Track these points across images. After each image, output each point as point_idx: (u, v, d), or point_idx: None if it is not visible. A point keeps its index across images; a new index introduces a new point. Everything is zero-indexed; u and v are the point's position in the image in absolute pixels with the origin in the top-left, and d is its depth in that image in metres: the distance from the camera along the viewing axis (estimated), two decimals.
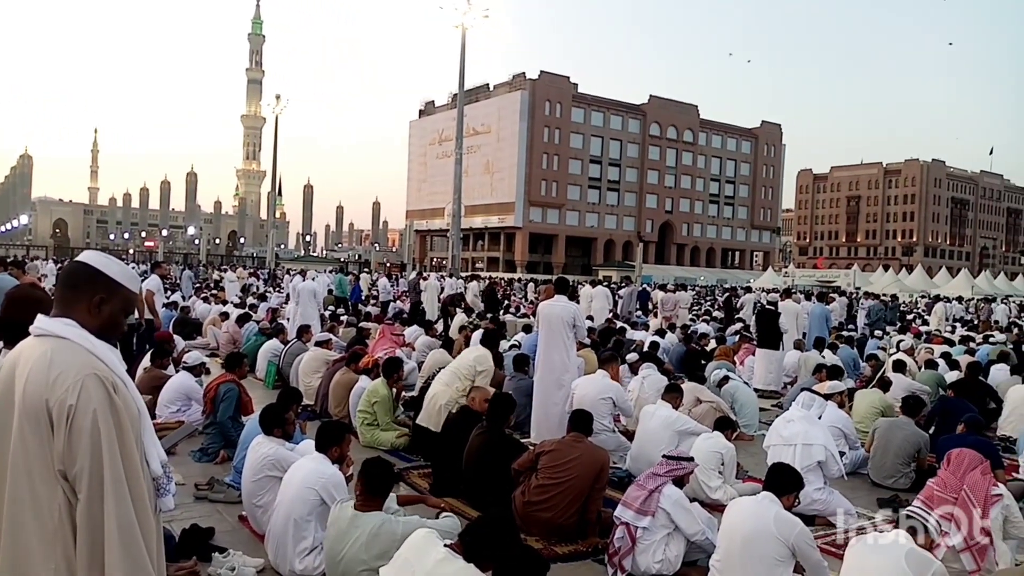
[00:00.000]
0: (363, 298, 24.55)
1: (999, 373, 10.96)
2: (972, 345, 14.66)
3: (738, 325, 17.97)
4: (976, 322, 26.01)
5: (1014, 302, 34.40)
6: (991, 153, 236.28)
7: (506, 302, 25.77)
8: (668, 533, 4.52)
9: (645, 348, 11.54)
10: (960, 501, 4.99)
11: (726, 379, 9.38)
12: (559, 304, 7.62)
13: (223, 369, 7.62)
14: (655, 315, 20.26)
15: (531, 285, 37.23)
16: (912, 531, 3.74)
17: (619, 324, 16.16)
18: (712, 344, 13.80)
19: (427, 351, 11.10)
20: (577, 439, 5.28)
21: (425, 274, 32.52)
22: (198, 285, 26.44)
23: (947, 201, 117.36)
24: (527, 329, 12.89)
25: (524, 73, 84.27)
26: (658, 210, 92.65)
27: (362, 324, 14.17)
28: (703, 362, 11.44)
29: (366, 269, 47.16)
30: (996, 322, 25.70)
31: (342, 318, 15.86)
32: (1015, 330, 21.36)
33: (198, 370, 8.04)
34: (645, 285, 34.49)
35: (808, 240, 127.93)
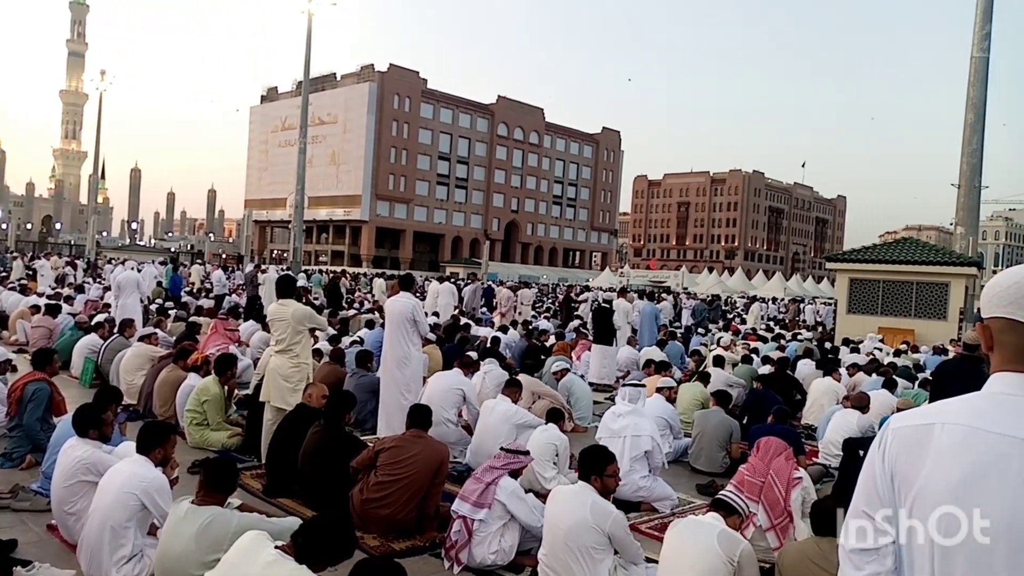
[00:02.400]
0: (194, 291, 23.19)
1: (804, 367, 12.07)
2: (782, 342, 16.04)
3: (576, 322, 18.64)
4: (787, 321, 28.50)
5: (820, 303, 38.02)
6: (803, 167, 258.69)
7: (350, 297, 25.28)
8: (504, 524, 4.63)
9: (488, 344, 11.73)
10: (767, 485, 5.48)
11: (564, 371, 9.73)
12: (401, 300, 7.60)
13: (32, 367, 6.96)
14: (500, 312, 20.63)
15: (376, 280, 36.70)
16: (724, 513, 4.07)
17: (464, 320, 16.30)
18: (552, 340, 14.25)
19: (263, 347, 10.66)
20: (417, 435, 5.29)
21: (264, 267, 31.20)
22: (4, 274, 23.96)
23: (765, 209, 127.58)
24: (370, 325, 12.72)
25: (373, 65, 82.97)
26: (504, 209, 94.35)
27: (193, 318, 13.41)
28: (543, 357, 11.82)
29: (199, 260, 44.58)
30: (804, 321, 28.35)
31: (170, 312, 14.91)
32: (820, 328, 23.65)
33: (3, 367, 7.31)
34: (490, 282, 35.00)
35: (643, 242, 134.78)
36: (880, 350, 15.10)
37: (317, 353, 9.55)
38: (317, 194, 74.77)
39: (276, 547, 3.04)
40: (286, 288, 6.73)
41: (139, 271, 18.09)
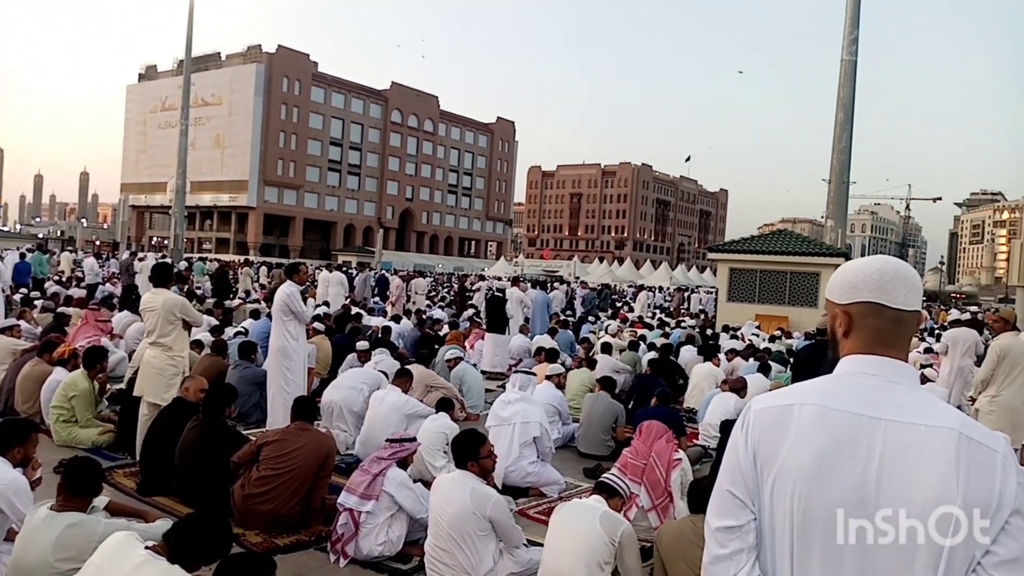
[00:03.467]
0: (63, 280, 21.71)
1: (687, 353, 12.57)
2: (667, 329, 16.65)
3: (470, 311, 18.69)
4: (672, 309, 29.58)
5: (703, 291, 39.64)
6: (688, 160, 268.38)
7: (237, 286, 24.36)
8: (391, 515, 4.60)
9: (379, 334, 11.59)
10: (648, 466, 5.67)
11: (457, 360, 9.74)
12: (282, 289, 7.41)
13: None
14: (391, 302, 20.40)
15: (263, 269, 35.53)
16: (606, 495, 4.19)
17: (355, 310, 16.03)
18: (445, 329, 14.23)
19: (140, 339, 10.12)
20: (302, 427, 5.16)
21: (141, 254, 29.62)
22: None
23: (653, 201, 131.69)
24: (255, 315, 12.30)
25: (260, 46, 79.91)
26: (399, 197, 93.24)
27: (61, 309, 12.56)
28: (436, 346, 11.79)
29: (69, 247, 41.77)
30: (688, 309, 29.49)
31: (36, 302, 13.93)
32: (702, 316, 24.67)
33: None
34: (383, 271, 34.57)
35: (537, 232, 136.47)
36: (757, 336, 15.91)
37: (198, 344, 9.18)
38: (200, 179, 71.57)
39: (147, 547, 2.89)
40: (160, 276, 6.40)
41: (1, 259, 16.78)
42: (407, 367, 7.84)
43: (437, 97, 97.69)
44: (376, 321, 14.61)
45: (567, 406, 8.20)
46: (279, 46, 79.77)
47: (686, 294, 34.83)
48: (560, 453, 7.59)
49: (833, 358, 1.57)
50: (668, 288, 43.97)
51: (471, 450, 4.28)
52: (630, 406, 8.79)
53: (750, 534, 1.47)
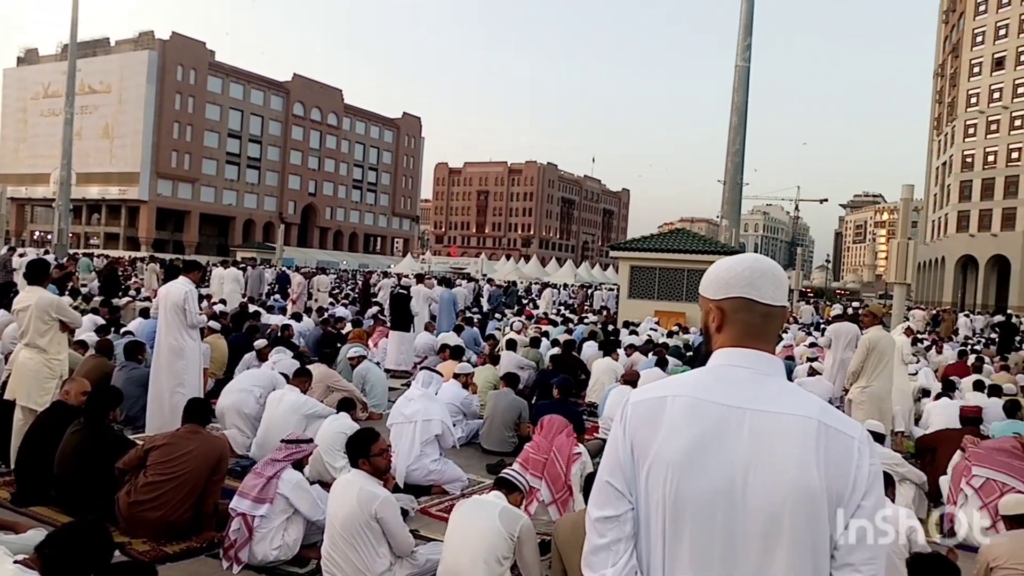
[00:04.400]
0: None
1: (589, 349, 12.81)
2: (571, 326, 16.92)
3: (374, 308, 18.45)
4: (576, 306, 30.07)
5: (606, 288, 40.50)
6: (593, 161, 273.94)
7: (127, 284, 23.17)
8: (287, 518, 4.49)
9: (279, 333, 11.29)
10: (549, 461, 5.76)
11: (360, 359, 9.60)
12: (175, 285, 7.11)
13: None
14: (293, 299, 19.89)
15: (155, 265, 33.92)
16: (506, 491, 4.22)
17: (254, 308, 15.54)
18: (348, 327, 14.00)
19: (16, 340, 9.49)
20: (193, 430, 4.97)
21: (21, 250, 27.78)
22: None
23: (558, 200, 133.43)
24: (144, 314, 11.75)
25: (153, 32, 76.15)
26: (301, 192, 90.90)
27: None
28: (338, 345, 11.59)
29: None
30: (591, 306, 30.06)
31: None
32: (604, 312, 25.19)
33: None
34: (284, 268, 33.66)
35: (444, 229, 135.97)
36: (655, 331, 16.38)
37: (82, 345, 8.71)
38: (87, 170, 67.64)
39: (16, 562, 2.72)
40: (36, 273, 6.02)
41: None
42: (306, 367, 7.66)
43: (341, 90, 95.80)
44: (276, 319, 14.20)
45: (472, 404, 8.21)
46: (173, 33, 76.25)
47: (589, 291, 35.49)
48: (464, 450, 7.61)
49: (707, 351, 1.63)
50: (573, 285, 44.71)
51: (362, 447, 4.23)
52: (533, 401, 8.90)
53: (627, 524, 1.51)
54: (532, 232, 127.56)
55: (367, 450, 4.24)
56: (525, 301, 30.95)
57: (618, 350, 11.89)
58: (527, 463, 5.75)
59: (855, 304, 33.32)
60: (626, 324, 18.00)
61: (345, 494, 4.06)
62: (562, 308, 28.05)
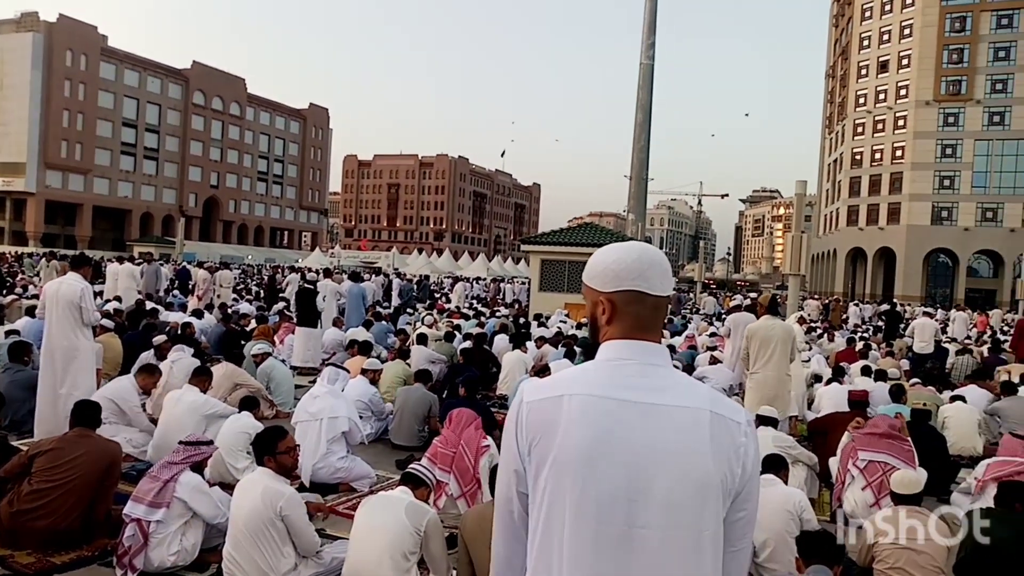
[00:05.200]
0: None
1: (500, 342, 12.87)
2: (483, 319, 16.98)
3: (280, 304, 18.00)
4: (488, 299, 30.18)
5: (518, 282, 40.78)
6: (503, 155, 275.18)
7: (11, 281, 21.73)
8: (185, 522, 4.34)
9: (178, 330, 10.86)
10: (457, 455, 5.78)
11: (265, 355, 9.34)
12: (67, 281, 6.73)
13: None
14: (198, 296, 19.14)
15: (44, 261, 32.00)
16: (412, 486, 4.21)
17: (151, 305, 14.89)
18: (253, 324, 13.60)
19: None
20: (83, 434, 4.74)
21: None
22: None
23: (470, 194, 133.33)
24: (30, 312, 11.07)
25: (37, 13, 71.44)
26: (203, 184, 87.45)
27: None
28: (243, 342, 11.25)
29: None
30: (503, 299, 30.23)
31: None
32: (516, 305, 25.38)
33: None
34: (186, 263, 32.39)
35: (354, 223, 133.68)
36: (565, 323, 16.62)
37: None
38: None
39: None
40: None
41: None
42: (206, 365, 7.40)
43: (244, 79, 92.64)
44: (176, 317, 13.66)
45: (380, 401, 8.13)
46: (60, 15, 71.74)
47: (502, 284, 35.66)
48: (373, 446, 7.55)
49: (594, 343, 1.61)
50: (485, 279, 44.80)
51: (269, 445, 4.15)
52: (444, 395, 8.91)
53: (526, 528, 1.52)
54: (444, 226, 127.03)
55: (274, 448, 4.15)
56: (437, 295, 30.84)
57: (528, 343, 12.01)
58: (435, 457, 5.76)
59: (752, 295, 34.73)
60: (536, 317, 18.19)
61: (250, 493, 3.97)
62: (474, 302, 28.09)
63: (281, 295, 21.58)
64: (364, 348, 9.92)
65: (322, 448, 6.02)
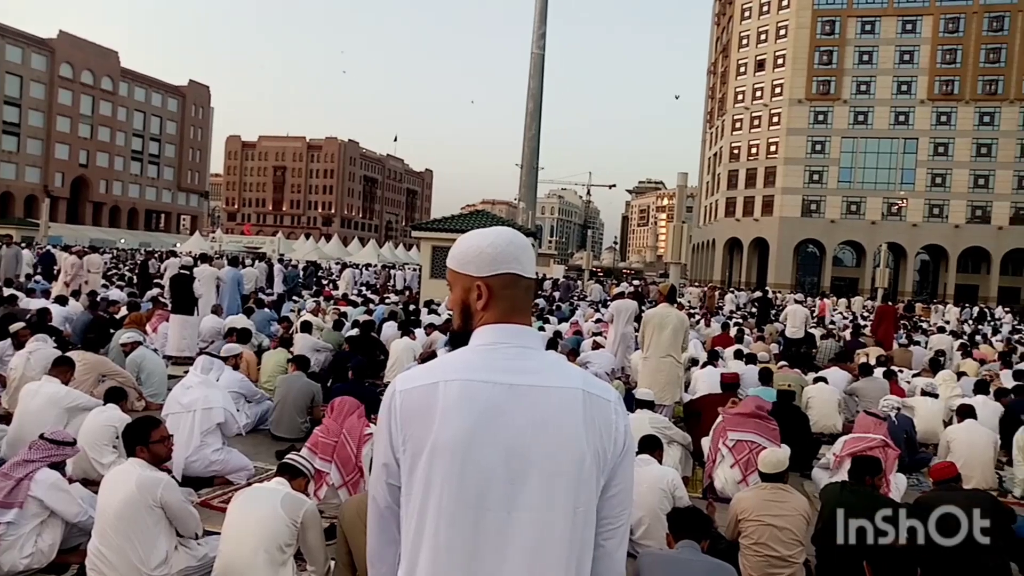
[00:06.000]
0: None
1: (389, 329, 12.73)
2: (371, 306, 16.73)
3: (155, 291, 17.12)
4: (378, 286, 29.74)
5: (409, 269, 40.42)
6: (395, 140, 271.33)
7: None
8: (41, 522, 4.07)
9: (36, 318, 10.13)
10: (339, 444, 5.68)
11: (135, 344, 8.87)
12: None
13: None
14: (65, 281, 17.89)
15: None
16: (289, 476, 4.11)
17: (9, 292, 13.81)
18: (123, 311, 12.87)
19: None
20: None
21: None
22: None
23: (361, 178, 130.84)
24: None
25: None
26: (71, 162, 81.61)
27: None
28: (111, 331, 10.63)
29: None
30: (394, 286, 29.89)
31: None
32: (407, 292, 25.16)
33: None
34: (51, 247, 30.23)
35: (237, 206, 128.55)
36: None
37: None
38: None
39: None
40: None
41: None
42: (67, 355, 6.95)
43: (117, 52, 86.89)
44: (37, 303, 12.73)
45: (253, 388, 7.90)
46: None
47: (392, 271, 35.24)
48: (252, 436, 7.34)
49: (466, 329, 1.61)
50: (375, 265, 44.15)
51: (141, 434, 3.98)
52: (329, 384, 8.73)
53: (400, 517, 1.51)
54: (333, 210, 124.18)
55: (147, 437, 3.98)
56: (325, 282, 30.14)
57: (417, 330, 11.94)
58: (316, 447, 5.65)
59: (636, 282, 35.85)
60: (427, 304, 18.10)
61: (123, 483, 3.78)
62: (364, 288, 27.64)
63: (157, 281, 20.50)
64: (243, 336, 9.58)
65: (195, 440, 5.79)
